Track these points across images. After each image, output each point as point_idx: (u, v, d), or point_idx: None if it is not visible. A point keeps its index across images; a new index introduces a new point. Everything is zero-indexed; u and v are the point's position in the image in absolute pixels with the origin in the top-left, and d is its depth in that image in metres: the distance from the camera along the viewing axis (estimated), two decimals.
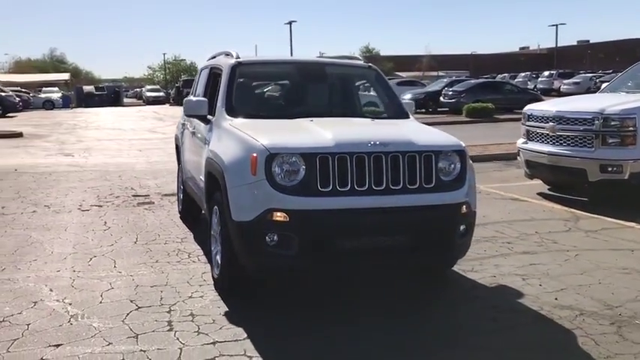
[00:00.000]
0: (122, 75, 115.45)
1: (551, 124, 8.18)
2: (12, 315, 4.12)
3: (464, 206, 4.35)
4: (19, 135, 20.36)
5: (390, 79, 41.83)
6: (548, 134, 8.25)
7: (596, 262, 5.41)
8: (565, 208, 7.81)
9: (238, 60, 5.51)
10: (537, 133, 8.52)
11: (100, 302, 4.37)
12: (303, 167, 4.00)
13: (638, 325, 3.99)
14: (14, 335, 3.78)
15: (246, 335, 3.80)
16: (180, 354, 3.53)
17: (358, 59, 6.07)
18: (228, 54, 5.82)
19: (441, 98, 28.04)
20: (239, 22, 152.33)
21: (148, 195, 8.95)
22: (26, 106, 41.09)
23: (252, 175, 4.04)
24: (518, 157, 9.25)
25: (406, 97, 30.60)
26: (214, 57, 6.42)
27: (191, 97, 5.85)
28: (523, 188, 9.12)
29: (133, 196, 8.86)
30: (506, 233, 6.52)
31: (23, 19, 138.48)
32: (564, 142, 7.99)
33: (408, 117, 5.46)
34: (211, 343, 3.68)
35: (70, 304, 4.33)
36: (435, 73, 60.94)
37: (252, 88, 5.51)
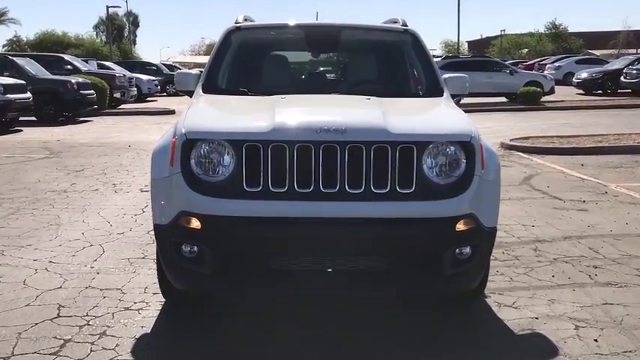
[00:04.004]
0: None
1: None
2: None
3: (462, 222, 3.04)
4: (172, 112, 21.28)
5: (565, 56, 37.74)
6: None
7: None
8: None
9: (237, 25, 4.57)
10: None
11: (27, 305, 3.78)
12: (232, 159, 3.02)
13: None
14: None
15: None
16: None
17: (396, 22, 4.78)
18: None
19: (622, 78, 24.31)
20: None
21: None
22: None
23: (170, 167, 3.15)
24: None
25: (581, 76, 27.28)
26: None
27: (182, 71, 5.03)
28: None
29: None
30: (602, 252, 4.87)
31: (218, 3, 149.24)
32: None
33: (441, 95, 4.13)
34: None
35: None
36: (634, 51, 53.83)
37: (247, 59, 4.54)
